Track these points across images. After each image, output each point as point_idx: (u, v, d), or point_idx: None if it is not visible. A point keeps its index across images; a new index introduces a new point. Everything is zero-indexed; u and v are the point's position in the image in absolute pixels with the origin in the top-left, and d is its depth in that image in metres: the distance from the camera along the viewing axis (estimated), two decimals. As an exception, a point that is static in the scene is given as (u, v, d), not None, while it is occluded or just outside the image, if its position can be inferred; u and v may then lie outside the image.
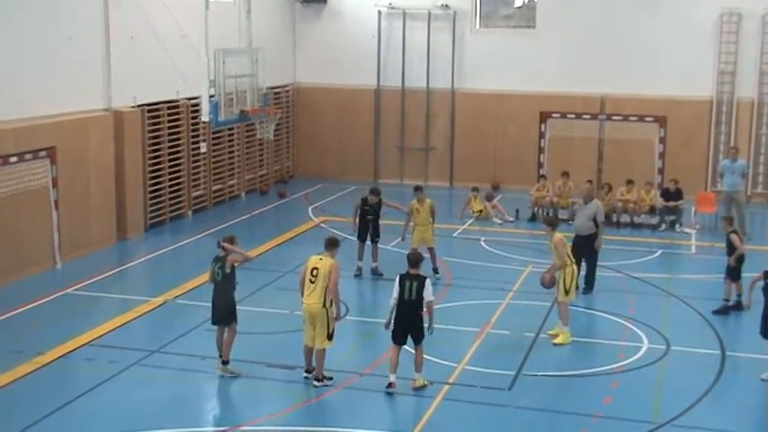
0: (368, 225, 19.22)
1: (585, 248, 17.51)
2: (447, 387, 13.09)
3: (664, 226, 23.64)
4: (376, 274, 18.87)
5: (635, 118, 25.95)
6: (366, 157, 30.35)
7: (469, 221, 24.26)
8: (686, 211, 23.94)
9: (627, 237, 22.89)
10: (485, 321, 15.85)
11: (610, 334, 15.54)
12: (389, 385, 12.71)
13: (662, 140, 25.47)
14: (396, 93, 29.88)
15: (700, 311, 16.62)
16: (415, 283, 12.70)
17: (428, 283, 12.78)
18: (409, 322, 12.80)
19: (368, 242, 19.13)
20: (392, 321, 12.85)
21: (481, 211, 24.69)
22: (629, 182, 24.53)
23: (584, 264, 17.42)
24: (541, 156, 26.01)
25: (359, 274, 18.80)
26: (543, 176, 25.54)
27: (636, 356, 14.35)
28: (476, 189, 25.32)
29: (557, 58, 28.39)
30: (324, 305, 12.82)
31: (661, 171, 25.48)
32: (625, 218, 24.26)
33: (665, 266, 20.11)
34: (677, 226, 23.63)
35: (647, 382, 13.43)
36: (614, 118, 26.32)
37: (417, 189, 19.14)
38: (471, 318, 16.10)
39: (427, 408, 12.35)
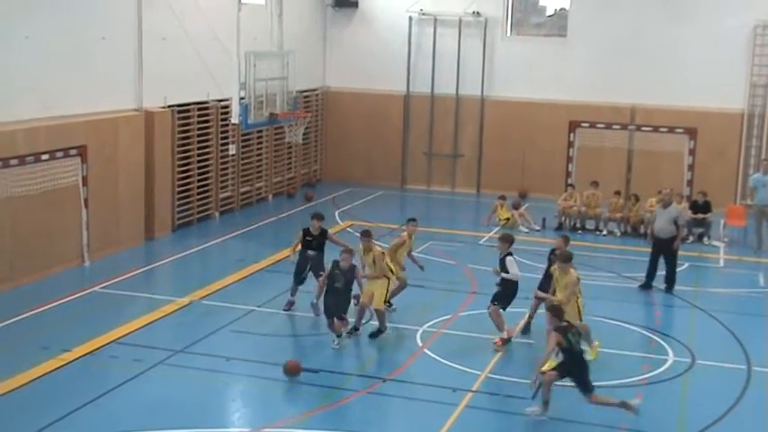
0: (307, 262, 16.52)
1: (665, 250, 18.76)
2: (470, 395, 13.07)
3: (692, 238, 23.46)
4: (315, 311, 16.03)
5: (665, 129, 25.85)
6: (394, 163, 30.37)
7: (496, 229, 24.20)
8: (715, 223, 23.76)
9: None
10: (508, 329, 15.79)
11: (635, 346, 15.44)
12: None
13: (691, 152, 25.38)
14: (425, 99, 29.89)
15: (726, 325, 16.49)
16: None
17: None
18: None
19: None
20: None
21: (508, 219, 24.63)
22: (660, 192, 24.37)
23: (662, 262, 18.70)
24: (570, 165, 25.96)
25: (288, 309, 16.52)
26: (571, 185, 25.47)
27: (661, 369, 14.26)
28: (503, 197, 25.27)
29: (587, 67, 28.28)
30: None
31: (690, 183, 25.37)
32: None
33: (692, 279, 19.95)
34: (705, 239, 23.46)
35: (671, 394, 13.34)
36: (644, 128, 26.23)
37: (364, 235, 15.88)
38: (495, 326, 16.03)
39: (449, 415, 12.33)
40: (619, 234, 24.16)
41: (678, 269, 19.14)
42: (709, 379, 14.00)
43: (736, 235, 23.67)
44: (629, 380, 13.76)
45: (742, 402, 13.13)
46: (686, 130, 25.72)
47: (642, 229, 23.96)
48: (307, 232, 16.53)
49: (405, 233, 17.17)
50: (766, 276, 20.17)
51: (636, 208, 24.36)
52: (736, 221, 24.08)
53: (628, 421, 12.21)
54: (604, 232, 24.36)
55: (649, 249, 19.26)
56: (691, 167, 25.57)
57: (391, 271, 15.80)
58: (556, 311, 12.74)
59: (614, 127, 26.14)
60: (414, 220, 17.40)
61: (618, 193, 24.93)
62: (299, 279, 16.57)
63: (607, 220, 24.50)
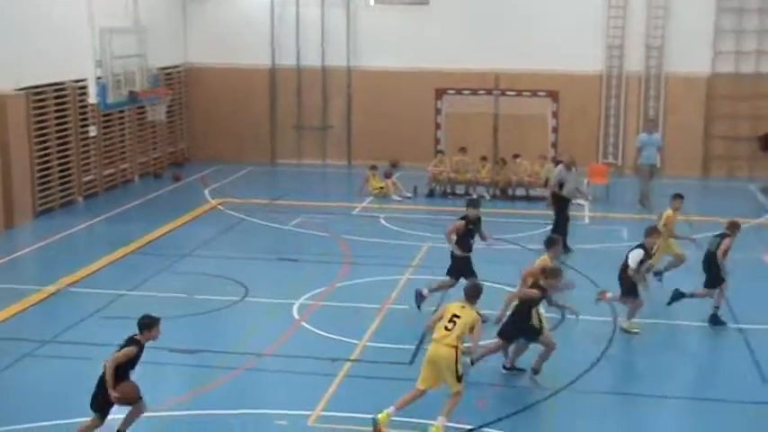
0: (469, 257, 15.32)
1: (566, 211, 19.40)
2: (349, 364, 13.06)
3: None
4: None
5: (528, 93, 26.24)
6: (263, 138, 30.02)
7: (369, 199, 24.26)
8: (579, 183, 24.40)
9: (522, 210, 23.24)
10: (385, 297, 15.86)
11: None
12: None
13: (555, 115, 25.87)
14: (291, 72, 29.59)
15: (593, 280, 16.94)
16: None
17: None
18: None
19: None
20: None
21: (381, 188, 24.72)
22: (516, 156, 24.98)
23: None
24: (438, 132, 26.16)
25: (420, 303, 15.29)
26: (440, 152, 25.72)
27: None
28: (374, 167, 25.35)
29: (450, 34, 28.53)
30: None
31: (554, 145, 25.88)
32: (521, 191, 24.67)
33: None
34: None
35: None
36: (508, 93, 26.56)
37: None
38: (372, 295, 16.09)
39: (329, 386, 12.29)
40: (488, 198, 24.56)
41: (546, 228, 19.57)
42: (580, 333, 14.36)
43: (599, 192, 24.38)
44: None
45: (608, 353, 13.63)
46: (549, 94, 26.20)
47: (510, 192, 24.50)
48: (468, 220, 15.19)
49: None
50: (630, 231, 20.81)
51: (504, 171, 24.80)
52: (599, 180, 24.80)
53: (503, 379, 12.45)
54: (474, 196, 24.70)
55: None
56: (555, 129, 26.10)
57: None
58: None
59: (479, 93, 26.37)
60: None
61: (485, 158, 25.32)
62: (461, 275, 14.87)
63: (476, 184, 24.88)
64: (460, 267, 15.05)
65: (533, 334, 12.43)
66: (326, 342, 13.93)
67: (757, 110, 27.86)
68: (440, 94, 26.17)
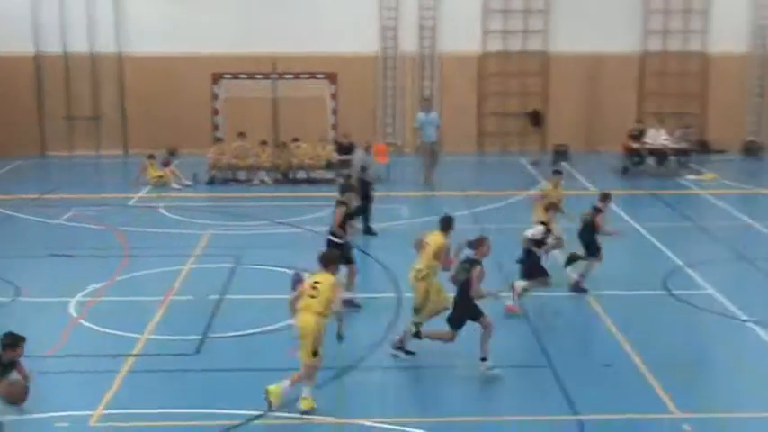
0: None
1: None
2: (131, 359, 12.56)
3: (340, 179, 24.17)
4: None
5: (306, 76, 26.26)
6: (30, 130, 28.47)
7: (146, 189, 23.53)
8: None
9: (304, 192, 23.23)
10: (167, 289, 15.39)
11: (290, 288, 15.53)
12: None
13: (333, 96, 26.00)
14: (58, 59, 28.19)
15: (378, 259, 17.13)
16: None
17: None
18: None
19: None
20: None
21: (160, 176, 24.02)
22: (295, 140, 24.93)
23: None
24: (216, 118, 25.71)
25: None
26: (219, 139, 25.28)
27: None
28: (152, 156, 24.60)
29: (225, 18, 28.09)
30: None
31: (335, 126, 26.04)
32: (302, 174, 24.66)
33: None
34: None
35: (328, 330, 13.59)
36: (286, 77, 26.45)
37: None
38: (153, 287, 15.58)
39: (111, 383, 11.76)
40: (270, 182, 24.39)
41: (328, 210, 19.56)
42: (365, 311, 14.43)
43: (381, 172, 24.69)
44: (287, 322, 13.79)
45: (396, 327, 13.79)
46: (327, 76, 26.32)
47: (291, 175, 24.46)
48: (347, 206, 14.90)
49: None
50: (412, 209, 21.21)
51: (285, 155, 24.70)
52: (380, 159, 25.08)
53: (291, 362, 12.32)
54: (256, 182, 24.49)
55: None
56: (334, 111, 26.26)
57: None
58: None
59: (257, 77, 26.13)
60: None
61: (264, 142, 25.11)
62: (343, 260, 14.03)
63: (257, 169, 24.65)
64: (344, 252, 14.19)
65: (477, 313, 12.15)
66: (107, 338, 13.34)
67: (526, 87, 29.11)
68: (216, 79, 25.71)
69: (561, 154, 26.90)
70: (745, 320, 14.01)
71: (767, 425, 10.79)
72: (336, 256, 11.85)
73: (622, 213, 20.57)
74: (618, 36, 28.49)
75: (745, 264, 17.09)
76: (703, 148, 28.04)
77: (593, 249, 15.32)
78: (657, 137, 26.18)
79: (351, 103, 27.49)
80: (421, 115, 24.88)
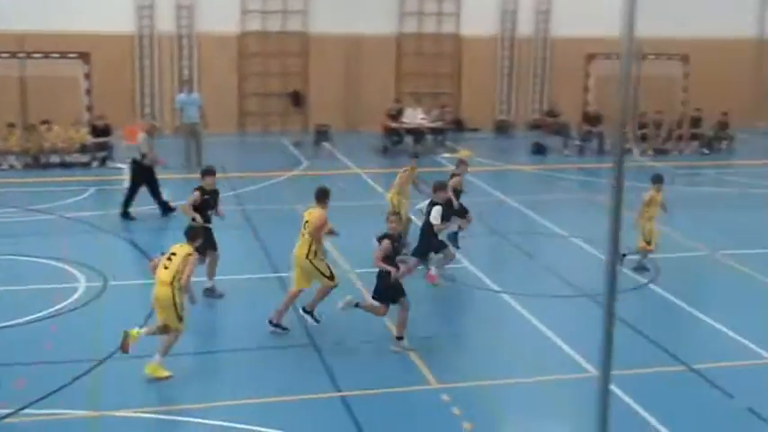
0: None
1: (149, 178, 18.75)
2: None
3: (96, 163, 23.33)
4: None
5: (57, 55, 25.08)
6: None
7: None
8: (116, 146, 23.89)
9: (57, 177, 22.17)
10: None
11: (43, 279, 14.80)
12: None
13: (87, 77, 24.98)
14: None
15: (138, 244, 16.65)
16: None
17: None
18: None
19: None
20: None
21: None
22: (45, 122, 23.78)
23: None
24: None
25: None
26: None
27: (74, 297, 13.89)
28: None
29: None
30: (306, 256, 12.47)
31: (90, 108, 25.02)
32: (55, 158, 23.51)
33: (99, 203, 19.83)
34: (108, 162, 23.48)
35: (87, 320, 13.07)
36: (35, 56, 25.10)
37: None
38: None
39: None
40: (20, 167, 23.12)
41: (83, 195, 18.87)
42: (124, 299, 13.97)
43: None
44: (41, 314, 13.16)
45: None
46: (80, 55, 25.22)
47: (43, 160, 23.29)
48: (204, 191, 13.96)
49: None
50: (175, 191, 20.69)
51: (35, 138, 23.47)
52: (134, 141, 24.33)
53: (45, 355, 11.73)
54: (5, 166, 23.14)
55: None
56: (88, 92, 25.20)
57: None
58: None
59: (3, 56, 24.63)
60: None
61: (12, 125, 23.74)
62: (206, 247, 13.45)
63: (6, 154, 23.29)
64: (205, 238, 13.23)
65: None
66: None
67: (286, 67, 29.11)
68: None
69: (322, 134, 27.12)
70: (498, 292, 14.66)
71: (521, 390, 11.31)
72: (199, 230, 11.98)
73: (383, 191, 21.00)
74: (375, 17, 29.00)
75: (497, 237, 17.90)
76: (458, 126, 29.10)
77: (459, 212, 15.74)
78: (415, 116, 26.93)
79: (106, 84, 26.53)
80: (182, 96, 24.42)
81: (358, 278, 14.73)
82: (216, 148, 25.20)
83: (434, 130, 27.12)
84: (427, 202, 15.01)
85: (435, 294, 14.47)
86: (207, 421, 10.12)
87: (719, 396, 11.10)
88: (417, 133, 26.93)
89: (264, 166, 23.92)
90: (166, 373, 11.07)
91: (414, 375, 11.48)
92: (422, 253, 14.57)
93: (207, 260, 13.74)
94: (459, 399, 10.81)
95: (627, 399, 10.74)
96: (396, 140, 26.75)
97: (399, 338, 12.29)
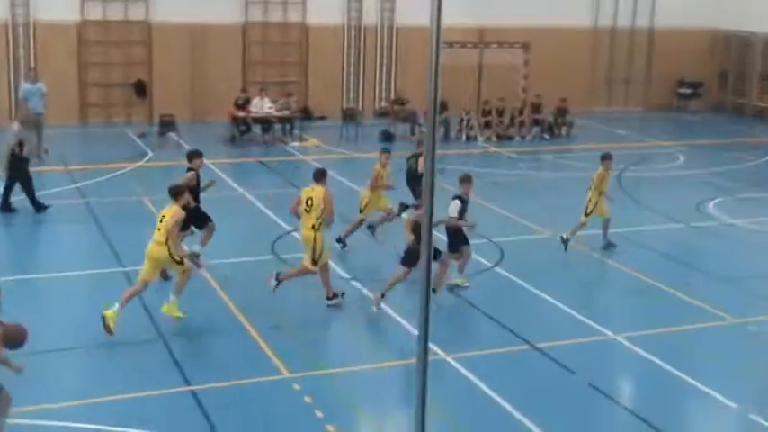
0: None
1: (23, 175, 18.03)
2: None
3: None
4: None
5: None
6: None
7: None
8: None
9: None
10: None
11: None
12: None
13: None
14: None
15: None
16: None
17: None
18: None
19: None
20: None
21: None
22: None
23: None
24: None
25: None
26: None
27: None
28: None
29: None
30: (312, 227, 13.33)
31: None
32: None
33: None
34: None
35: None
36: None
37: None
38: None
39: None
40: None
41: None
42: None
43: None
44: None
45: None
46: None
47: None
48: (197, 172, 14.89)
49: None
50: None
51: None
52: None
53: None
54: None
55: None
56: None
57: None
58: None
59: None
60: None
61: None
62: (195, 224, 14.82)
63: None
64: (197, 217, 14.54)
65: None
66: None
67: (128, 57, 28.40)
68: None
69: (168, 124, 26.58)
70: (349, 279, 14.79)
71: (372, 376, 11.48)
72: (183, 188, 13.02)
73: (231, 182, 20.85)
74: (220, 5, 28.62)
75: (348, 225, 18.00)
76: (306, 115, 29.09)
77: (418, 193, 15.60)
78: (262, 105, 26.76)
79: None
80: (27, 85, 23.43)
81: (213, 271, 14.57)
82: (57, 139, 24.32)
83: (282, 119, 27.04)
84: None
85: (288, 285, 14.43)
86: (45, 422, 9.84)
87: (562, 372, 11.56)
88: (265, 122, 26.79)
89: (108, 157, 23.29)
90: (180, 314, 12.33)
91: (266, 366, 11.47)
92: (455, 248, 14.28)
93: (204, 232, 14.76)
94: (312, 387, 10.88)
95: (475, 380, 11.05)
96: (243, 130, 26.53)
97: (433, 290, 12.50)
